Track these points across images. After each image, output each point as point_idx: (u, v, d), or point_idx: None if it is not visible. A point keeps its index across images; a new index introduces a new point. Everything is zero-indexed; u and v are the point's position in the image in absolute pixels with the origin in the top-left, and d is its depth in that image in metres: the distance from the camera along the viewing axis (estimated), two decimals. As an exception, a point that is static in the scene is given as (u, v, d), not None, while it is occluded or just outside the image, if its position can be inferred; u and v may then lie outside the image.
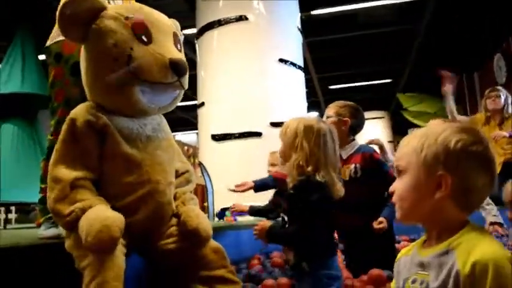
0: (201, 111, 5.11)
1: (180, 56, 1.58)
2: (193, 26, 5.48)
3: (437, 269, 0.84)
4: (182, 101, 1.77)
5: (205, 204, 4.47)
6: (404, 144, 0.93)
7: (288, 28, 5.12)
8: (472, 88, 9.98)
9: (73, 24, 1.50)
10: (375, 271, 2.08)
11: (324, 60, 9.64)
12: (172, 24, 1.70)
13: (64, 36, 1.61)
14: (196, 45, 5.33)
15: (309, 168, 1.46)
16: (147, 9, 1.62)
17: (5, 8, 5.95)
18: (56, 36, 1.99)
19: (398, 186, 0.92)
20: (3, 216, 5.30)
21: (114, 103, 1.56)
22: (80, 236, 1.39)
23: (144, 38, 1.51)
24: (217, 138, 4.70)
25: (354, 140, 2.43)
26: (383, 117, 13.28)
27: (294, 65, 4.99)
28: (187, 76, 1.61)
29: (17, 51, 5.49)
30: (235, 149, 4.57)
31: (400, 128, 13.50)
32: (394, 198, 0.93)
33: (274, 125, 4.58)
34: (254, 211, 2.95)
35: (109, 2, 1.77)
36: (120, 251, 1.38)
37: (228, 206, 3.69)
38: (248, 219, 3.50)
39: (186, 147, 10.16)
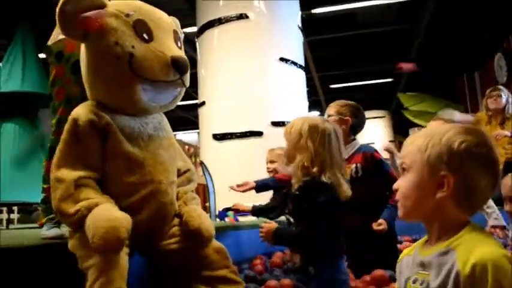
0: (201, 111, 5.11)
1: (181, 53, 1.58)
2: (194, 24, 5.47)
3: (437, 268, 0.84)
4: (183, 100, 1.76)
5: (207, 204, 4.47)
6: (409, 142, 0.94)
7: (288, 27, 5.12)
8: (472, 88, 9.97)
9: (73, 22, 1.49)
10: (377, 271, 2.07)
11: (324, 59, 9.63)
12: (172, 21, 1.69)
13: (64, 34, 1.61)
14: (197, 44, 5.32)
15: (315, 169, 1.45)
16: (147, 6, 1.61)
17: (6, 7, 5.95)
18: (57, 35, 1.99)
19: (402, 184, 0.93)
20: (5, 216, 5.30)
21: (115, 102, 1.56)
22: (83, 236, 1.39)
23: (145, 35, 1.51)
24: (218, 137, 4.70)
25: (354, 139, 2.42)
26: (384, 117, 13.28)
27: (294, 64, 4.99)
28: (188, 74, 1.61)
29: (18, 49, 5.48)
30: (236, 148, 4.57)
31: (401, 128, 13.51)
32: (397, 196, 0.94)
33: (275, 124, 4.58)
34: (257, 210, 2.95)
35: None
36: (124, 251, 1.37)
37: (228, 207, 3.69)
38: (250, 219, 3.50)
39: (187, 147, 10.17)
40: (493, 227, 3.05)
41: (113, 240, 1.29)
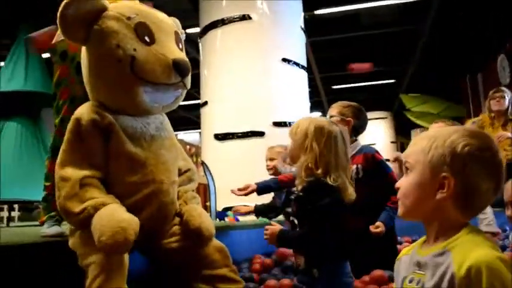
0: (204, 111, 5.11)
1: (183, 56, 1.58)
2: (197, 25, 5.48)
3: (433, 269, 0.85)
4: (185, 100, 1.77)
5: (208, 203, 4.47)
6: (414, 142, 0.95)
7: (291, 28, 5.11)
8: (475, 89, 9.94)
9: (74, 25, 1.50)
10: (377, 272, 2.08)
11: (327, 60, 9.62)
12: (173, 23, 1.70)
13: (65, 37, 1.61)
14: (200, 44, 5.33)
15: (319, 171, 1.42)
16: (148, 9, 1.62)
17: (9, 6, 5.97)
18: (61, 34, 1.99)
19: (404, 183, 0.93)
20: (6, 214, 5.32)
21: (117, 103, 1.56)
22: (84, 234, 1.39)
23: (146, 38, 1.51)
24: (219, 137, 4.70)
25: (356, 140, 2.42)
26: (386, 118, 13.25)
27: (297, 64, 4.98)
28: (189, 76, 1.61)
29: (21, 49, 5.49)
30: (237, 148, 4.57)
31: (403, 129, 13.49)
32: (399, 194, 0.95)
33: (277, 124, 4.58)
34: (259, 211, 2.94)
35: None
36: None
37: (228, 206, 3.68)
38: (250, 219, 3.50)
39: (188, 147, 10.17)
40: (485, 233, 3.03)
41: (121, 240, 1.29)
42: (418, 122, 10.94)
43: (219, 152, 4.71)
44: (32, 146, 5.24)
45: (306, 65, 5.27)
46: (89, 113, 1.52)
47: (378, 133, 12.27)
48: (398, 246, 2.53)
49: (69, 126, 1.53)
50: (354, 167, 2.29)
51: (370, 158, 2.32)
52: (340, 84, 11.63)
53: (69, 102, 1.96)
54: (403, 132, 13.81)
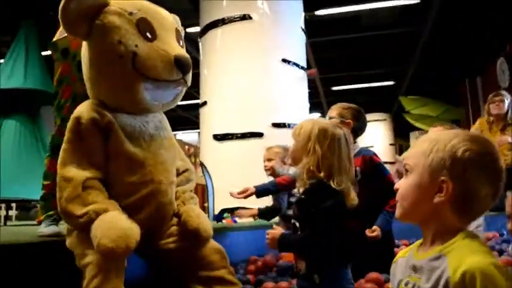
0: (203, 111, 5.10)
1: (184, 52, 1.58)
2: (197, 24, 5.47)
3: (428, 273, 0.85)
4: (184, 99, 1.76)
5: (206, 204, 4.47)
6: (415, 145, 0.96)
7: (291, 28, 5.11)
8: (474, 92, 9.95)
9: (76, 20, 1.49)
10: (372, 274, 2.08)
11: (327, 61, 9.63)
12: (174, 19, 1.69)
13: (67, 32, 1.60)
14: (200, 44, 5.32)
15: (322, 174, 1.40)
16: (150, 5, 1.61)
17: (9, 3, 5.96)
18: (63, 31, 1.99)
19: (402, 185, 0.94)
20: (3, 213, 5.30)
21: (117, 100, 1.56)
22: (82, 234, 1.39)
23: (148, 34, 1.51)
24: (218, 137, 4.69)
25: (355, 142, 2.42)
26: (385, 120, 13.25)
27: (297, 65, 4.98)
28: (190, 73, 1.61)
29: (21, 46, 5.49)
30: (236, 149, 4.56)
31: (401, 131, 13.51)
32: (397, 196, 0.95)
33: (276, 125, 4.57)
34: (262, 213, 2.94)
35: None
36: None
37: (225, 208, 3.68)
38: (247, 220, 3.50)
39: (187, 147, 10.16)
40: None
41: (122, 246, 1.30)
42: (417, 124, 10.97)
43: (217, 153, 4.71)
44: (31, 144, 5.23)
45: (305, 66, 5.26)
46: (89, 111, 1.51)
47: (376, 135, 12.27)
48: (396, 250, 2.53)
49: (69, 125, 1.52)
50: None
51: (368, 161, 2.32)
52: (339, 86, 11.63)
53: (70, 101, 1.95)
54: (402, 134, 13.83)
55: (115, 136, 1.51)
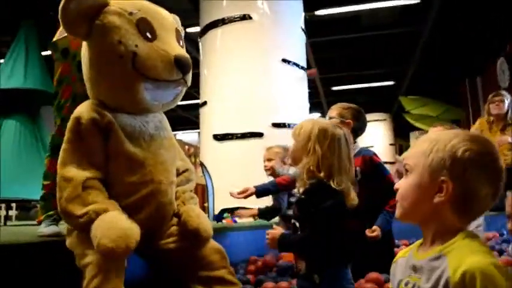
0: (203, 111, 5.10)
1: (184, 52, 1.58)
2: (197, 24, 5.47)
3: (428, 273, 0.85)
4: (184, 99, 1.76)
5: (206, 204, 4.47)
6: (415, 145, 0.95)
7: (291, 28, 5.11)
8: (474, 92, 9.96)
9: (76, 20, 1.49)
10: (372, 274, 2.08)
11: (327, 61, 9.63)
12: (174, 19, 1.69)
13: (67, 32, 1.60)
14: (200, 44, 5.32)
15: (322, 174, 1.40)
16: (150, 5, 1.61)
17: (9, 3, 5.96)
18: (63, 31, 1.99)
19: (402, 185, 0.94)
20: (3, 213, 5.30)
21: (117, 100, 1.56)
22: (82, 234, 1.39)
23: (148, 34, 1.51)
24: (218, 137, 4.69)
25: (355, 142, 2.42)
26: (385, 120, 13.25)
27: (297, 65, 4.98)
28: (190, 73, 1.61)
29: (21, 46, 5.49)
30: (236, 149, 4.56)
31: (401, 131, 13.51)
32: (397, 196, 0.95)
33: (276, 125, 4.58)
34: (263, 213, 2.94)
35: None
36: None
37: (225, 208, 3.68)
38: (247, 220, 3.50)
39: (187, 147, 10.17)
40: None
41: (122, 246, 1.30)
42: (417, 124, 10.96)
43: (217, 153, 4.71)
44: (31, 144, 5.23)
45: (305, 66, 5.26)
46: (89, 111, 1.51)
47: (376, 135, 12.27)
48: (396, 250, 2.53)
49: (69, 125, 1.52)
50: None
51: (368, 161, 2.32)
52: (339, 86, 11.63)
53: (70, 101, 1.95)
54: (402, 134, 13.83)
55: (115, 136, 1.51)
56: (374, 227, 2.15)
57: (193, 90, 5.17)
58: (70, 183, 1.42)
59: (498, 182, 0.87)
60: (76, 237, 1.48)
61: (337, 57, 9.89)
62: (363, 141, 2.62)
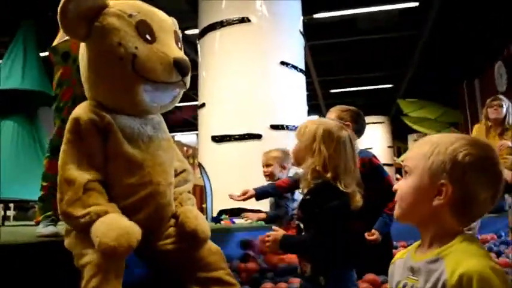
0: (201, 112, 5.10)
1: (183, 55, 1.58)
2: (194, 26, 5.47)
3: (426, 275, 0.85)
4: (183, 101, 1.76)
5: (204, 205, 4.46)
6: (415, 146, 0.95)
7: (290, 31, 5.12)
8: (472, 95, 9.98)
9: (75, 22, 1.49)
10: (369, 276, 2.09)
11: (325, 63, 9.64)
12: (172, 22, 1.70)
13: (66, 33, 1.61)
14: (198, 46, 5.33)
15: (328, 175, 1.38)
16: (149, 7, 1.62)
17: (8, 4, 5.95)
18: (63, 35, 1.99)
19: (402, 186, 0.94)
20: (1, 213, 5.28)
21: (116, 102, 1.56)
22: (81, 234, 1.39)
23: (148, 36, 1.51)
24: (217, 139, 4.69)
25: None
26: (383, 122, 13.27)
27: (295, 68, 4.99)
28: (189, 75, 1.61)
29: (19, 47, 5.47)
30: (234, 150, 4.56)
31: (400, 134, 13.53)
32: (396, 197, 0.95)
33: (274, 127, 4.58)
34: (271, 221, 2.91)
35: None
36: None
37: (224, 209, 3.67)
38: (246, 222, 3.49)
39: (185, 148, 10.15)
40: None
41: (124, 245, 1.30)
42: (415, 127, 10.98)
43: (216, 154, 4.71)
44: (29, 144, 5.21)
45: (304, 69, 5.27)
46: (87, 112, 1.51)
47: (375, 137, 12.28)
48: (394, 251, 2.54)
49: (68, 126, 1.52)
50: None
51: (368, 163, 2.32)
52: (338, 88, 11.65)
53: (70, 103, 1.96)
54: (400, 136, 13.85)
55: (114, 137, 1.51)
56: (373, 230, 2.15)
57: (192, 92, 5.18)
58: (71, 186, 1.42)
59: (498, 185, 0.87)
60: (74, 237, 1.48)
61: (336, 60, 9.89)
62: (361, 143, 2.62)
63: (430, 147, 0.90)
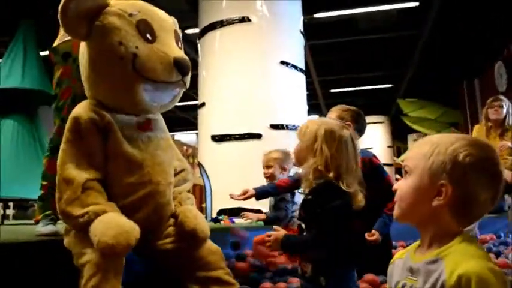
0: (201, 112, 5.10)
1: (183, 54, 1.58)
2: (194, 26, 5.47)
3: (425, 276, 0.85)
4: (183, 100, 1.76)
5: (204, 205, 4.46)
6: (416, 146, 0.95)
7: (290, 31, 5.12)
8: (472, 95, 9.99)
9: (75, 21, 1.49)
10: (368, 276, 2.09)
11: (325, 63, 9.64)
12: (173, 21, 1.70)
13: (66, 32, 1.61)
14: (199, 45, 5.33)
15: (330, 174, 1.37)
16: (149, 6, 1.61)
17: (8, 4, 5.95)
18: (64, 35, 1.99)
19: (402, 186, 0.94)
20: (1, 212, 5.29)
21: (116, 101, 1.56)
22: (80, 233, 1.39)
23: (148, 36, 1.51)
24: (216, 138, 4.69)
25: (354, 144, 2.42)
26: (383, 122, 13.27)
27: (295, 67, 4.99)
28: (189, 75, 1.61)
29: (19, 46, 5.47)
30: (234, 150, 4.56)
31: (399, 133, 13.54)
32: (396, 197, 0.95)
33: (274, 127, 4.58)
34: (270, 222, 2.90)
35: None
36: None
37: (223, 208, 3.67)
38: (245, 221, 3.49)
39: (185, 147, 10.15)
40: None
41: (123, 243, 1.30)
42: (415, 127, 10.98)
43: (215, 154, 4.71)
44: (29, 143, 5.22)
45: (304, 68, 5.27)
46: (87, 111, 1.51)
47: (375, 137, 12.29)
48: (393, 251, 2.54)
49: (68, 125, 1.52)
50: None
51: (368, 163, 2.32)
52: (338, 88, 11.65)
53: (70, 102, 1.96)
54: (400, 136, 13.86)
55: (114, 137, 1.51)
56: (373, 231, 2.15)
57: (192, 92, 5.18)
58: (70, 185, 1.42)
59: (498, 186, 0.87)
60: (74, 236, 1.48)
61: (336, 60, 9.89)
62: (361, 143, 2.61)
63: (430, 147, 0.89)
